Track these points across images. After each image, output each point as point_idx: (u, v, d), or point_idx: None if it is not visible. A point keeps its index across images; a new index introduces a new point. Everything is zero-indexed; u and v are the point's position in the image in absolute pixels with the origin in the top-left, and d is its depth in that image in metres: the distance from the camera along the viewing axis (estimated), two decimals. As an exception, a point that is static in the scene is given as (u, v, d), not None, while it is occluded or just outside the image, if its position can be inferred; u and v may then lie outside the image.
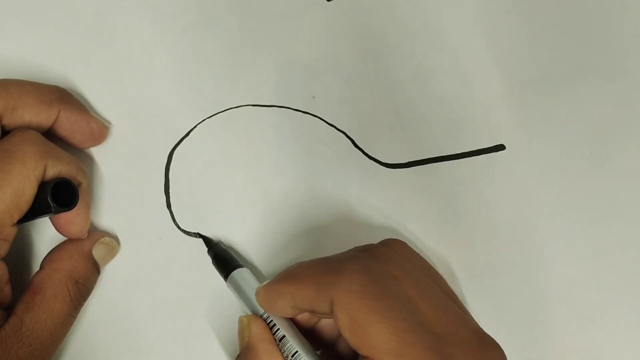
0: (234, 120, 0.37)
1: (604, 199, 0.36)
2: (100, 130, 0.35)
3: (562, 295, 0.35)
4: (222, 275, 0.34)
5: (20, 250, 0.35)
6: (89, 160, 0.36)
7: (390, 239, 0.32)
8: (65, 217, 0.33)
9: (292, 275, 0.30)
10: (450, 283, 0.35)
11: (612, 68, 0.37)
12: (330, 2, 0.38)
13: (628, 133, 0.37)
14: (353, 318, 0.27)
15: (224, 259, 0.34)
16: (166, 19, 0.37)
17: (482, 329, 0.28)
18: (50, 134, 0.33)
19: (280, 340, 0.30)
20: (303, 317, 0.31)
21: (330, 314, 0.28)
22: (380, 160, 0.37)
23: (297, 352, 0.29)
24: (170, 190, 0.36)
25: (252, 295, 0.32)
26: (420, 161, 0.37)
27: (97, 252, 0.34)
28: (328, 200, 0.36)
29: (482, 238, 0.36)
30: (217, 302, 0.35)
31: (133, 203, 0.36)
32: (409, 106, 0.37)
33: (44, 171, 0.30)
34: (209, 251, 0.35)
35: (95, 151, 0.36)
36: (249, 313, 0.32)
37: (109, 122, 0.36)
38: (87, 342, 0.35)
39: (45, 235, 0.35)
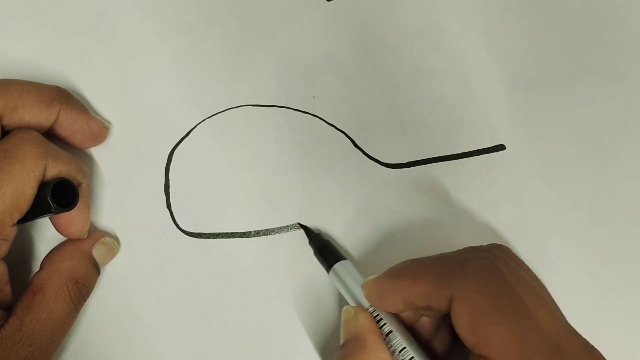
0: (234, 120, 0.37)
1: (604, 199, 0.36)
2: (100, 130, 0.35)
3: (562, 295, 0.35)
4: (324, 267, 0.34)
5: (20, 250, 0.35)
6: (89, 160, 0.36)
7: (497, 244, 0.32)
8: (65, 217, 0.33)
9: (409, 270, 0.30)
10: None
11: (612, 68, 0.37)
12: (330, 2, 0.38)
13: (628, 133, 0.37)
14: (474, 317, 0.27)
15: (327, 250, 0.34)
16: (166, 19, 0.37)
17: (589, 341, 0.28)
18: (50, 134, 0.33)
19: (386, 335, 0.30)
20: (406, 314, 0.31)
21: (446, 311, 0.28)
22: (380, 160, 0.37)
23: (404, 348, 0.29)
24: (170, 190, 0.36)
25: (355, 287, 0.32)
26: (420, 161, 0.37)
27: (97, 252, 0.34)
28: (328, 200, 0.36)
29: (482, 238, 0.36)
30: (216, 302, 0.35)
31: (133, 203, 0.36)
32: (409, 106, 0.37)
33: (44, 171, 0.30)
34: (310, 242, 0.35)
35: (95, 151, 0.36)
36: (353, 305, 0.32)
37: (109, 122, 0.36)
38: (87, 342, 0.35)
39: (45, 235, 0.35)
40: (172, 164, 0.36)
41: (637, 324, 0.35)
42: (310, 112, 0.37)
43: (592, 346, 0.27)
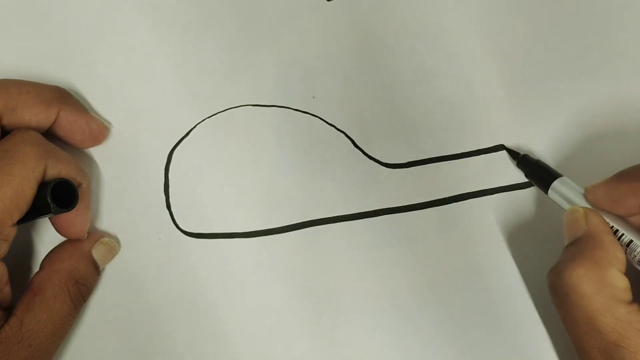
0: (234, 120, 0.37)
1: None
2: (100, 130, 0.35)
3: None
4: (540, 187, 0.34)
5: (20, 250, 0.35)
6: (89, 161, 0.36)
7: None
8: (65, 217, 0.33)
9: None
10: (449, 283, 0.35)
11: (612, 68, 0.37)
12: (330, 2, 0.38)
13: (628, 133, 0.37)
14: None
15: (541, 169, 0.34)
16: (166, 19, 0.37)
17: None
18: (49, 134, 0.33)
19: (627, 246, 0.30)
20: (633, 219, 0.31)
21: None
22: (380, 160, 0.37)
23: None
24: (170, 190, 0.36)
25: (579, 199, 0.32)
26: (420, 161, 0.37)
27: (97, 253, 0.34)
28: (328, 200, 0.36)
29: (482, 237, 0.36)
30: (217, 302, 0.35)
31: (133, 203, 0.36)
32: (409, 106, 0.37)
33: (44, 172, 0.30)
34: (519, 164, 0.35)
35: (95, 151, 0.36)
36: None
37: (109, 122, 0.36)
38: (87, 342, 0.35)
39: (45, 235, 0.35)
40: (172, 164, 0.36)
41: None
42: (310, 112, 0.37)
43: None
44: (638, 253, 0.30)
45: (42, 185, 0.30)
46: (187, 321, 0.35)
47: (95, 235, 0.34)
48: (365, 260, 0.36)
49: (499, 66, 0.37)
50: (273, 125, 0.37)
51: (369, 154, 0.37)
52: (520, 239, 0.36)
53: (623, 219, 0.32)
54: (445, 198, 0.36)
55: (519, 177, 0.36)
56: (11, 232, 0.30)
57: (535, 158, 0.35)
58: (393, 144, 0.37)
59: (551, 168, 0.35)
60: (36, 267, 0.33)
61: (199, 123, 0.37)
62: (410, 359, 0.35)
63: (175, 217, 0.36)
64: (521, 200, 0.36)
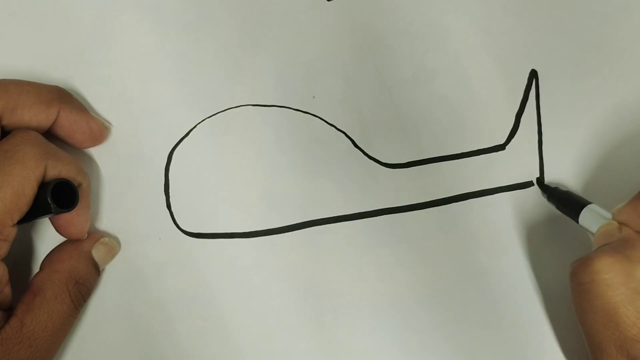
0: (234, 120, 0.37)
1: (604, 199, 0.36)
2: (100, 130, 0.35)
3: (562, 295, 0.35)
4: (571, 217, 0.34)
5: (20, 251, 0.35)
6: (89, 161, 0.36)
7: None
8: (65, 217, 0.33)
9: None
10: (449, 283, 0.35)
11: (612, 68, 0.37)
12: (330, 2, 0.38)
13: (627, 133, 0.37)
14: None
15: (570, 200, 0.34)
16: (166, 19, 0.37)
17: None
18: (50, 134, 0.33)
19: None
20: None
21: None
22: (380, 160, 0.37)
23: None
24: (170, 190, 0.36)
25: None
26: (420, 161, 0.37)
27: (97, 253, 0.34)
28: (328, 200, 0.36)
29: (482, 238, 0.36)
30: (216, 302, 0.35)
31: (133, 203, 0.36)
32: (409, 106, 0.37)
33: (44, 172, 0.30)
34: (549, 198, 0.35)
35: (95, 151, 0.36)
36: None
37: (109, 122, 0.36)
38: (87, 342, 0.35)
39: (45, 235, 0.35)
40: (172, 164, 0.36)
41: None
42: (310, 112, 0.37)
43: None
44: None
45: (43, 186, 0.30)
46: (187, 321, 0.35)
47: (95, 235, 0.34)
48: (365, 260, 0.36)
49: (499, 66, 0.37)
50: (273, 125, 0.37)
51: (369, 154, 0.37)
52: (521, 239, 0.36)
53: None
54: (445, 198, 0.36)
55: (519, 177, 0.36)
56: (11, 232, 0.30)
57: (565, 189, 0.35)
58: (393, 144, 0.37)
59: (580, 197, 0.34)
60: (36, 267, 0.33)
61: (199, 123, 0.37)
62: (410, 358, 0.35)
63: (175, 217, 0.36)
64: (521, 200, 0.36)
